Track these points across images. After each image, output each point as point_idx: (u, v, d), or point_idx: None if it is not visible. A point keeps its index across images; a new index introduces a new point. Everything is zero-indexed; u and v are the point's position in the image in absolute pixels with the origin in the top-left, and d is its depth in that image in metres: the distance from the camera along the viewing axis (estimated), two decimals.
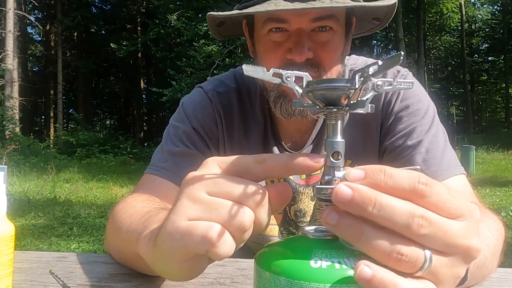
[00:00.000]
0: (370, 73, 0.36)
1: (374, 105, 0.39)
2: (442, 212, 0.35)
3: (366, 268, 0.34)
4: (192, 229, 0.40)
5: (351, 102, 0.39)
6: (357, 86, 0.37)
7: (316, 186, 0.39)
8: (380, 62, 0.36)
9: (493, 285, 0.67)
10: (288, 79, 0.39)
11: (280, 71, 0.39)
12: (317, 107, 0.40)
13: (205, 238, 0.39)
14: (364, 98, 0.39)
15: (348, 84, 0.38)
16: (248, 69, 0.39)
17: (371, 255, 0.35)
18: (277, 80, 0.39)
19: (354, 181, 0.36)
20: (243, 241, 0.41)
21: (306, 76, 0.40)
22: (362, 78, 0.37)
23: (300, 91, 0.40)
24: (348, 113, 0.40)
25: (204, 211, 0.40)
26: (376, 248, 0.35)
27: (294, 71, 0.39)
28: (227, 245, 0.40)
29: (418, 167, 0.38)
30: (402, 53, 0.35)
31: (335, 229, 0.36)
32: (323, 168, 0.40)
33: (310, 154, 0.40)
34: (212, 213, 0.40)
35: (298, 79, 0.40)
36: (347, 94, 0.39)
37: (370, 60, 0.36)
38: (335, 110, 0.39)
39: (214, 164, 0.43)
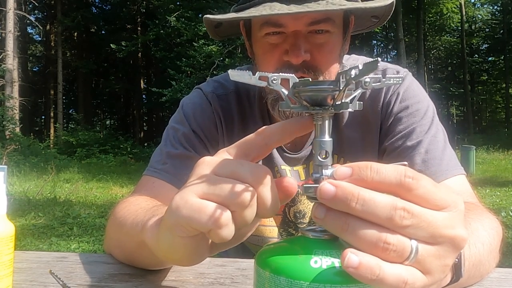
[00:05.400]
0: (352, 76, 0.37)
1: (361, 102, 0.40)
2: (428, 204, 0.36)
3: (353, 256, 0.35)
4: (202, 207, 0.41)
5: (337, 102, 0.40)
6: (341, 88, 0.38)
7: (304, 185, 0.40)
8: (360, 66, 0.36)
9: (493, 285, 0.67)
10: (274, 81, 0.40)
11: (266, 74, 0.40)
12: (304, 108, 0.41)
13: (211, 218, 0.40)
14: (351, 97, 0.39)
15: (332, 86, 0.39)
16: (234, 74, 0.40)
17: (358, 245, 0.36)
18: (264, 84, 0.40)
19: (341, 179, 0.37)
20: (245, 222, 0.42)
21: (292, 78, 0.41)
22: (344, 80, 0.38)
23: (286, 92, 0.41)
24: (342, 111, 0.41)
25: (208, 187, 0.41)
26: (363, 238, 0.35)
27: (280, 73, 0.40)
28: (229, 229, 0.41)
29: (405, 162, 0.39)
30: (379, 59, 0.36)
31: (323, 222, 0.37)
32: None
33: (301, 117, 0.43)
34: (215, 189, 0.41)
35: (285, 81, 0.40)
36: (332, 95, 0.39)
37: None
38: (321, 110, 0.40)
39: (224, 152, 0.46)
